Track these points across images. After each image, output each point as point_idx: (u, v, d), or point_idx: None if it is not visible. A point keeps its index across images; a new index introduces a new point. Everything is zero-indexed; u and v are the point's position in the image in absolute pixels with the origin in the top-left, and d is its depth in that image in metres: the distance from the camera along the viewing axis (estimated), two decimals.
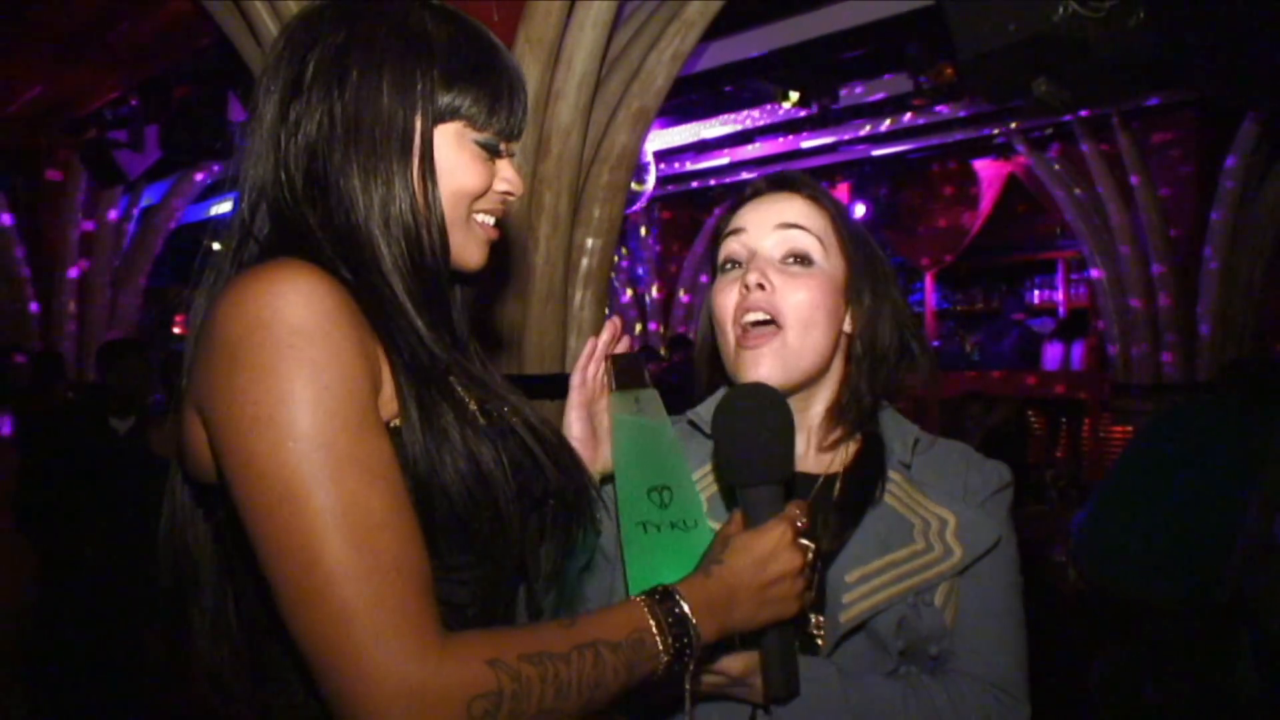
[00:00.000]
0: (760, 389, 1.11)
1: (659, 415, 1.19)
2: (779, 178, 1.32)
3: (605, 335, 1.29)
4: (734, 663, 1.06)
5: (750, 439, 1.04)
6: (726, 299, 1.26)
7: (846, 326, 1.28)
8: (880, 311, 1.27)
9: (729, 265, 1.28)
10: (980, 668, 1.15)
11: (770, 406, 1.07)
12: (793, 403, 1.24)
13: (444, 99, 0.99)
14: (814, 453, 1.28)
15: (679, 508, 1.10)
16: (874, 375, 1.27)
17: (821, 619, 1.16)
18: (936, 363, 1.33)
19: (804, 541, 1.01)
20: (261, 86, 1.01)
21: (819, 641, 1.15)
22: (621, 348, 1.29)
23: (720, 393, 1.33)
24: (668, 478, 1.12)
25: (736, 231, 1.28)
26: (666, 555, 0.98)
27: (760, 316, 1.22)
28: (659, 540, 1.07)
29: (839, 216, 1.29)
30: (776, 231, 1.25)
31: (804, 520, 1.03)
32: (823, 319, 1.23)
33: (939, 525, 1.18)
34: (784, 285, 1.22)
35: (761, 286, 1.21)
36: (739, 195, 1.34)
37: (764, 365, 1.21)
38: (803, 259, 1.24)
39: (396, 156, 0.97)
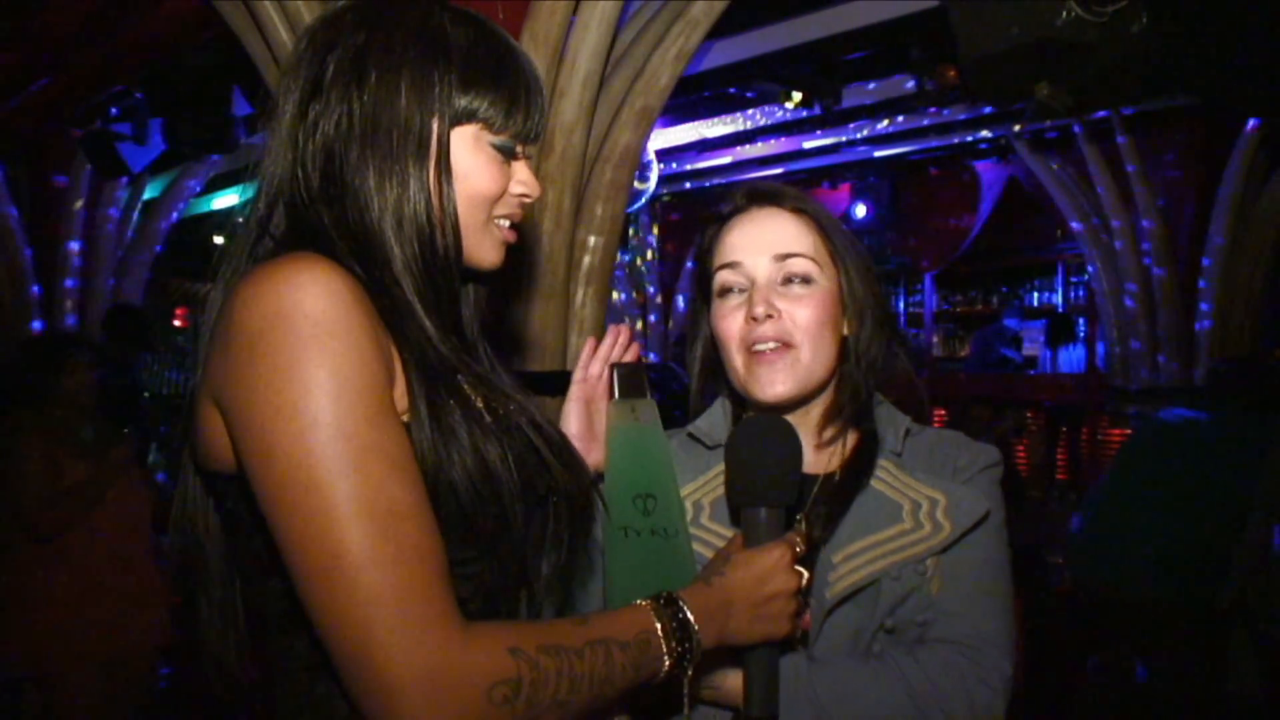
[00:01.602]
0: (774, 421, 1.15)
1: (654, 426, 1.22)
2: (761, 191, 1.33)
3: (609, 339, 1.31)
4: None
5: (760, 467, 1.09)
6: (731, 325, 1.28)
7: (845, 330, 1.31)
8: (870, 311, 1.30)
9: (728, 292, 1.29)
10: (959, 631, 1.18)
11: (782, 438, 1.12)
12: (795, 409, 1.29)
13: (461, 101, 1.00)
14: (812, 451, 1.30)
15: (661, 515, 1.14)
16: (869, 373, 1.31)
17: (808, 608, 1.19)
18: (913, 355, 1.37)
19: (799, 568, 1.05)
20: (282, 86, 1.02)
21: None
22: (630, 355, 1.32)
23: (719, 404, 1.38)
24: (654, 486, 1.16)
25: (732, 265, 1.29)
26: (645, 560, 1.02)
27: (772, 345, 1.25)
28: (639, 545, 1.12)
29: (826, 224, 1.31)
30: (774, 263, 1.27)
31: (802, 547, 1.08)
32: (829, 332, 1.27)
33: (929, 505, 1.21)
34: (790, 309, 1.25)
35: (770, 316, 1.24)
36: (722, 212, 1.35)
37: (779, 383, 1.24)
38: (804, 280, 1.27)
39: (413, 158, 0.98)
